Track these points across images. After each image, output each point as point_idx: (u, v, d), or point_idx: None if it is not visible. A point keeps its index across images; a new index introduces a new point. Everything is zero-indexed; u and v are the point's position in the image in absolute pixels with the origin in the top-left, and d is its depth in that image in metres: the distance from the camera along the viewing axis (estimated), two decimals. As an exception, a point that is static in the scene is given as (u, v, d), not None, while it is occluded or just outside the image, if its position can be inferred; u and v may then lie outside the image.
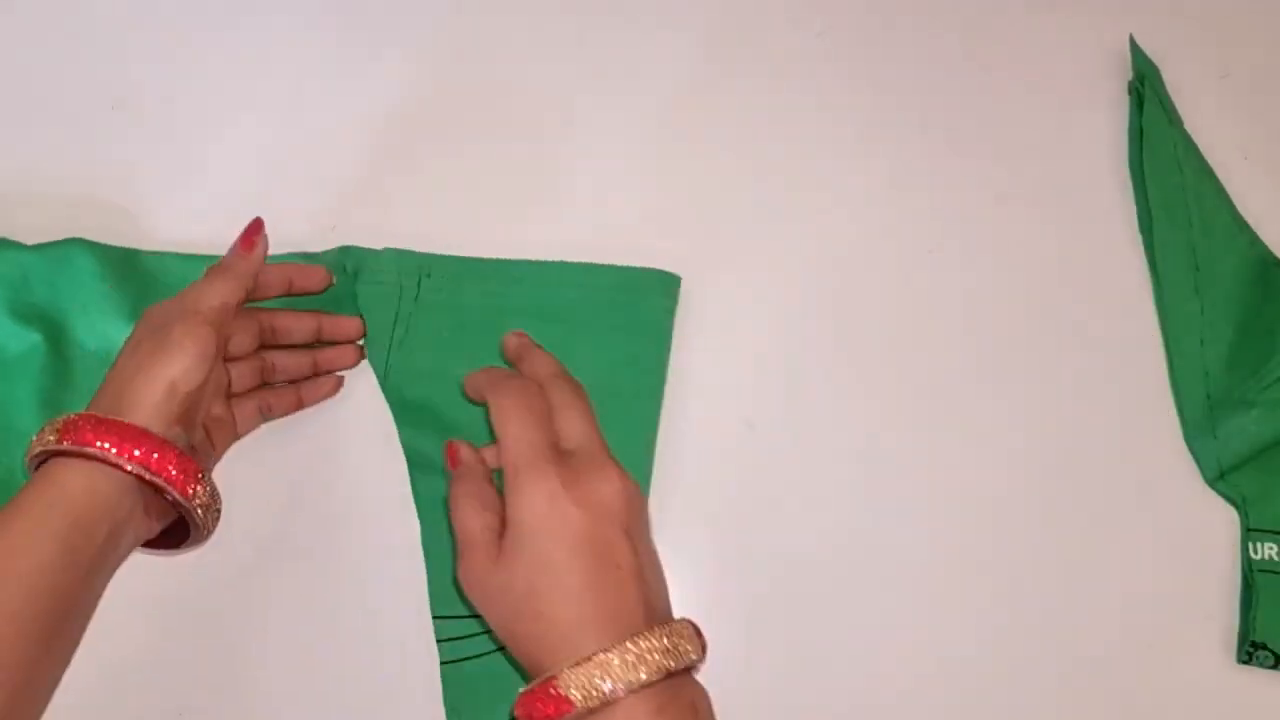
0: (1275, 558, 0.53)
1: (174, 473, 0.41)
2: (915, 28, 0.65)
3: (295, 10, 0.62)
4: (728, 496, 0.54)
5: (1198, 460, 0.55)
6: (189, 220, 0.57)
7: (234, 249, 0.49)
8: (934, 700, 0.51)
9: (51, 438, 0.41)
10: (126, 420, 0.41)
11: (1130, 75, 0.63)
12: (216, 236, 0.56)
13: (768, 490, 0.54)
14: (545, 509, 0.38)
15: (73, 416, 0.41)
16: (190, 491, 0.42)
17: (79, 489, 0.40)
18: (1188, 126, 0.61)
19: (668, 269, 0.57)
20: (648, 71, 0.62)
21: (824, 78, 0.63)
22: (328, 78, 0.60)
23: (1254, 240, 0.59)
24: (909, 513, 0.54)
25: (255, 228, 0.50)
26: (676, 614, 0.49)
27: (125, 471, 0.40)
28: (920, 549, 0.53)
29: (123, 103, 0.59)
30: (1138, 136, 0.61)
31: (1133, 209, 0.61)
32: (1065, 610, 0.53)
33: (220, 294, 0.46)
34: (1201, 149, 0.61)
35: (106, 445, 0.40)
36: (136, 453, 0.40)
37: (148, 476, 0.41)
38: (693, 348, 0.56)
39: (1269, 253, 0.59)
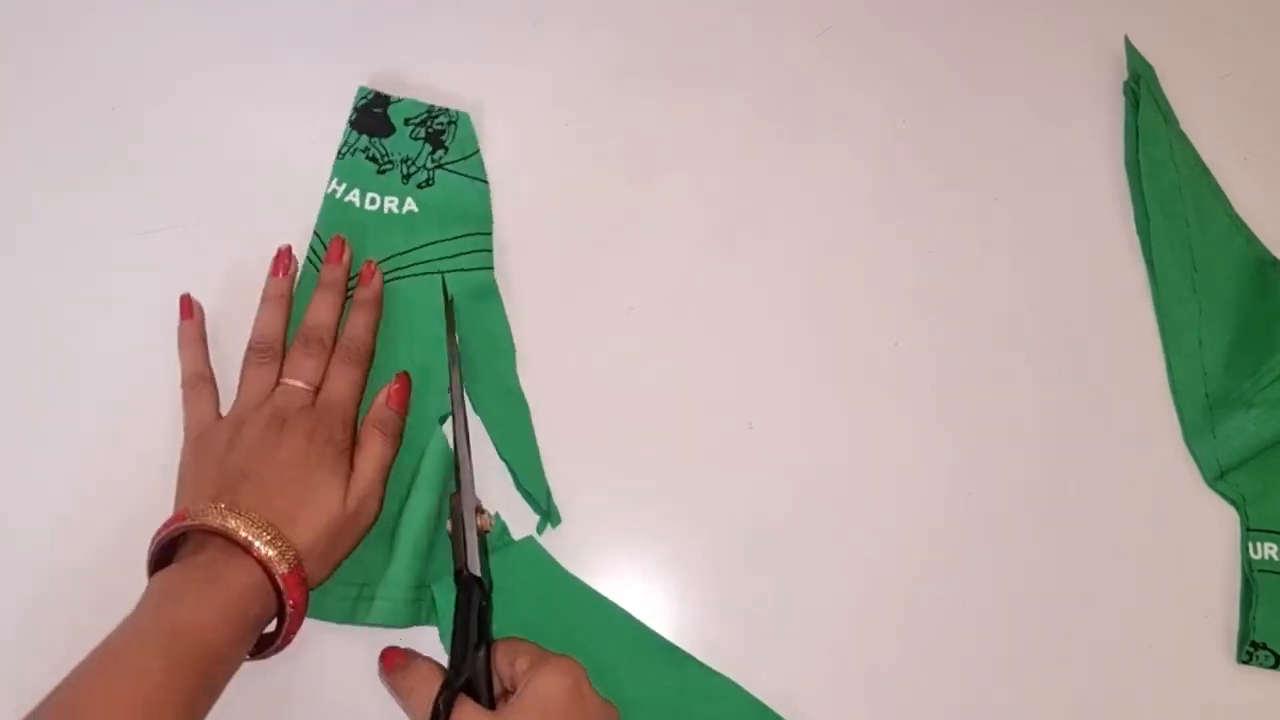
0: (1275, 558, 0.53)
1: (298, 601, 0.46)
2: (913, 28, 0.65)
3: (298, 13, 0.62)
4: (729, 497, 0.54)
5: (1198, 460, 0.56)
6: (189, 221, 0.57)
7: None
8: (935, 699, 0.51)
9: (284, 569, 0.44)
10: (292, 540, 0.45)
11: (1126, 75, 0.64)
12: (216, 237, 0.57)
13: (768, 491, 0.54)
14: (568, 696, 0.43)
15: (298, 565, 0.45)
16: (299, 619, 0.46)
17: (256, 587, 0.44)
18: (1187, 126, 0.61)
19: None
20: (646, 72, 0.63)
21: (824, 78, 0.63)
22: (328, 78, 0.60)
23: (1251, 239, 0.60)
24: (908, 514, 0.54)
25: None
26: (678, 614, 0.51)
27: (279, 593, 0.45)
28: (920, 549, 0.53)
29: (123, 103, 0.59)
30: (1134, 136, 0.61)
31: (1130, 209, 0.61)
32: (1065, 610, 0.53)
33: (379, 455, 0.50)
34: (1201, 149, 0.61)
35: (289, 583, 0.45)
36: (295, 597, 0.45)
37: (287, 608, 0.45)
38: (693, 349, 0.56)
39: (1266, 252, 0.59)
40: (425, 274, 0.55)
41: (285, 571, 0.44)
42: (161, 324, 0.54)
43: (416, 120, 0.58)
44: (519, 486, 0.53)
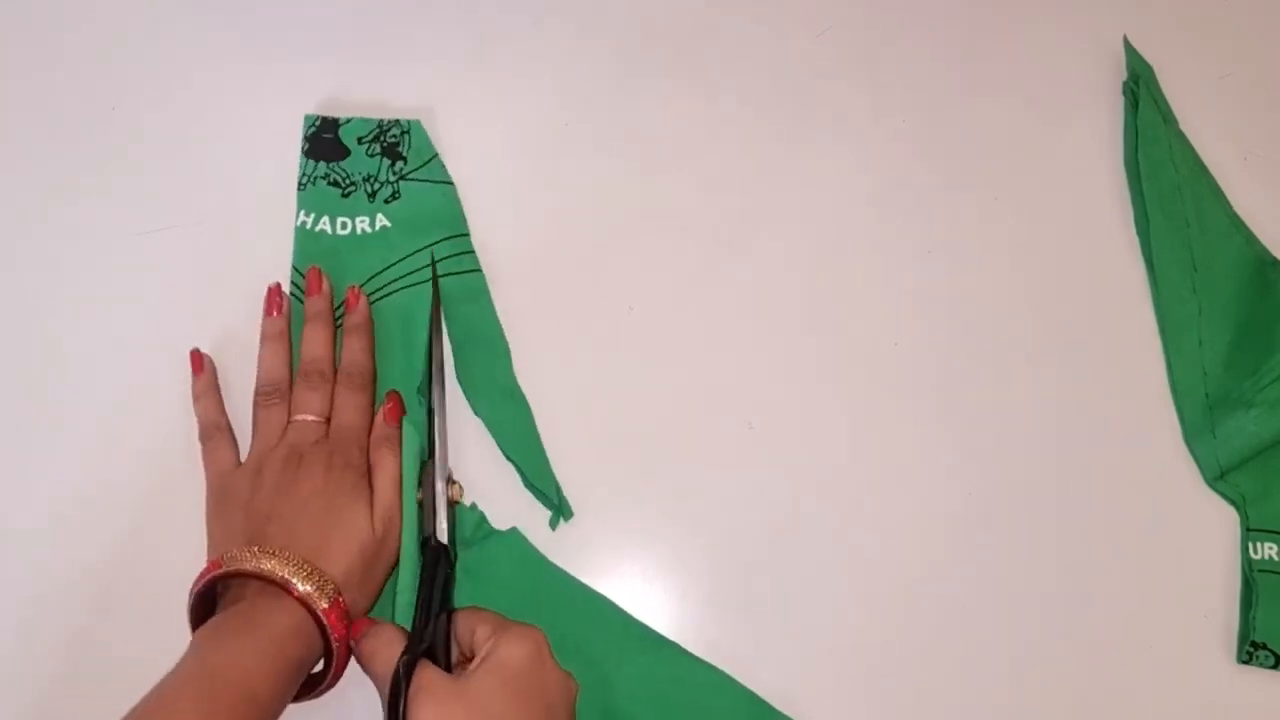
0: (1275, 558, 0.53)
1: (343, 635, 0.45)
2: (913, 28, 0.65)
3: (298, 13, 0.62)
4: (729, 497, 0.54)
5: (1198, 460, 0.56)
6: (189, 221, 0.57)
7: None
8: (935, 699, 0.51)
9: (325, 604, 0.44)
10: (329, 573, 0.45)
11: (1125, 75, 0.64)
12: (216, 237, 0.57)
13: (768, 491, 0.54)
14: (529, 663, 0.44)
15: (339, 598, 0.45)
16: (346, 653, 0.46)
17: (297, 629, 0.44)
18: (1187, 126, 0.61)
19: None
20: (646, 72, 0.63)
21: (824, 78, 0.63)
22: (329, 77, 0.60)
23: (1250, 239, 0.59)
24: (908, 514, 0.54)
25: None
26: (678, 614, 0.51)
27: (323, 630, 0.45)
28: (920, 549, 0.53)
29: (122, 104, 0.59)
30: (1133, 137, 0.61)
31: (1129, 209, 0.61)
32: (1065, 610, 0.53)
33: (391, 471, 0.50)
34: (1201, 149, 0.61)
35: (333, 618, 0.44)
36: (340, 631, 0.45)
37: (333, 643, 0.45)
38: (693, 349, 0.56)
39: (1266, 252, 0.59)
40: (411, 285, 0.55)
41: (326, 606, 0.44)
42: (161, 324, 0.54)
43: (369, 137, 0.58)
44: (528, 484, 0.53)
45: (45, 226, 0.57)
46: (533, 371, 0.55)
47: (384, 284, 0.55)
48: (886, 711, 0.51)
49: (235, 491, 0.48)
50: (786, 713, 0.49)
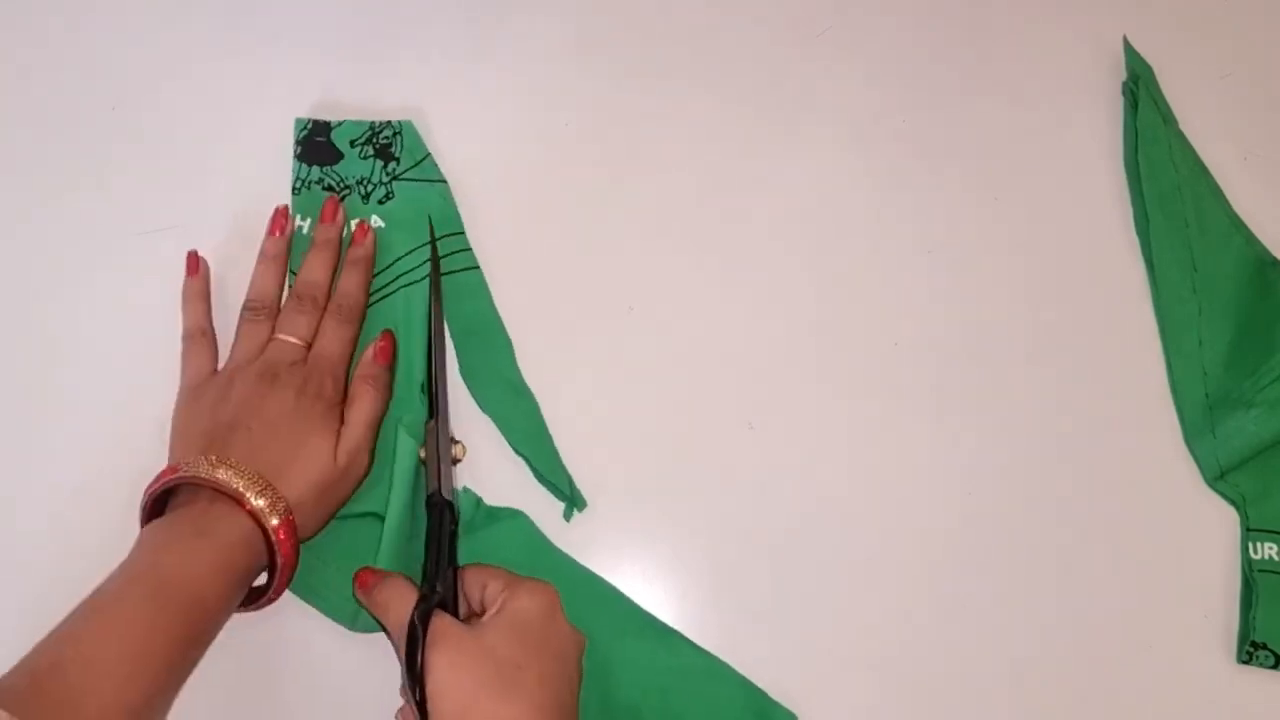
0: (1275, 558, 0.53)
1: (289, 553, 0.46)
2: (913, 28, 0.65)
3: (300, 12, 0.62)
4: (729, 497, 0.54)
5: (1198, 460, 0.56)
6: (189, 221, 0.57)
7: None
8: (935, 698, 0.51)
9: (275, 521, 0.45)
10: (283, 493, 0.46)
11: (1125, 76, 0.64)
12: (216, 237, 0.57)
13: (768, 491, 0.54)
14: (542, 615, 0.44)
15: (289, 517, 0.46)
16: (290, 570, 0.47)
17: (246, 540, 0.45)
18: (1187, 126, 0.61)
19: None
20: (647, 72, 0.63)
21: (824, 78, 0.63)
22: (330, 77, 0.60)
23: (1250, 239, 0.59)
24: (908, 515, 0.54)
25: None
26: (678, 614, 0.51)
27: (270, 545, 0.46)
28: (920, 550, 0.53)
29: (123, 103, 0.59)
30: (1133, 137, 0.61)
31: (1129, 209, 0.61)
32: (1065, 610, 0.53)
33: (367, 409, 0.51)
34: (1201, 149, 0.61)
35: (281, 535, 0.45)
36: (286, 549, 0.46)
37: (278, 559, 0.46)
38: (693, 349, 0.56)
39: (1266, 252, 0.59)
40: (409, 285, 0.55)
41: (276, 524, 0.45)
42: (162, 323, 0.54)
43: (361, 140, 0.58)
44: (539, 477, 0.53)
45: (45, 226, 0.57)
46: (532, 373, 0.55)
47: (382, 285, 0.55)
48: (886, 710, 0.51)
49: (205, 396, 0.49)
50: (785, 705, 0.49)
